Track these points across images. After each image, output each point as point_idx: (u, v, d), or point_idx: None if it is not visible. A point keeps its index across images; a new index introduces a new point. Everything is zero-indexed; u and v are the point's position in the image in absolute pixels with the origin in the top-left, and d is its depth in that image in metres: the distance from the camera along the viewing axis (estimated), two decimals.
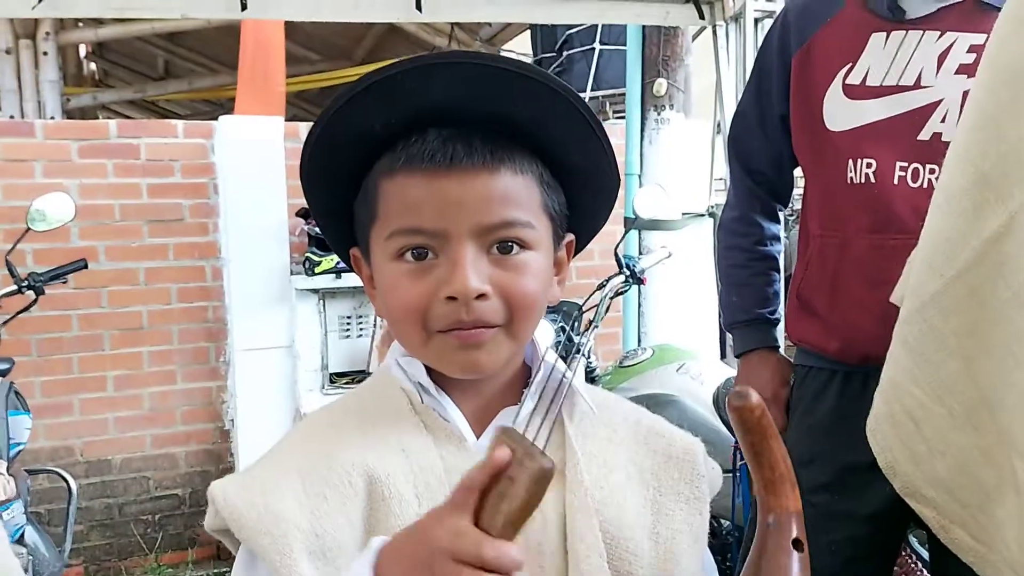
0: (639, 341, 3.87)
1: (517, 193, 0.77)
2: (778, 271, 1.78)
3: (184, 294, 3.70)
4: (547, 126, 0.79)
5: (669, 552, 0.81)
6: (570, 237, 0.87)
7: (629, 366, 2.69)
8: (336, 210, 0.84)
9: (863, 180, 1.50)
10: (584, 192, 0.85)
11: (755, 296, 1.74)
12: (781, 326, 1.76)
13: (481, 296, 0.74)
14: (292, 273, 3.63)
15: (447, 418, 0.80)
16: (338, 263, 3.64)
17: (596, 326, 2.54)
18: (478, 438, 0.80)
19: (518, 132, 0.78)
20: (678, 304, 3.96)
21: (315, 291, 3.63)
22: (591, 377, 2.85)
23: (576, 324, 2.88)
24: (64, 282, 2.73)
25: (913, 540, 2.27)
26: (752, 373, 1.70)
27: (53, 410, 3.50)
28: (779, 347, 1.75)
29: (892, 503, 1.48)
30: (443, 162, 0.75)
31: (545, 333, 2.80)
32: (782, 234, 1.81)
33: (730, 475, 2.13)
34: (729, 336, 1.91)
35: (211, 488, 0.77)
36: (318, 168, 0.82)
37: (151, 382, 3.66)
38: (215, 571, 3.60)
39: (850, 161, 1.51)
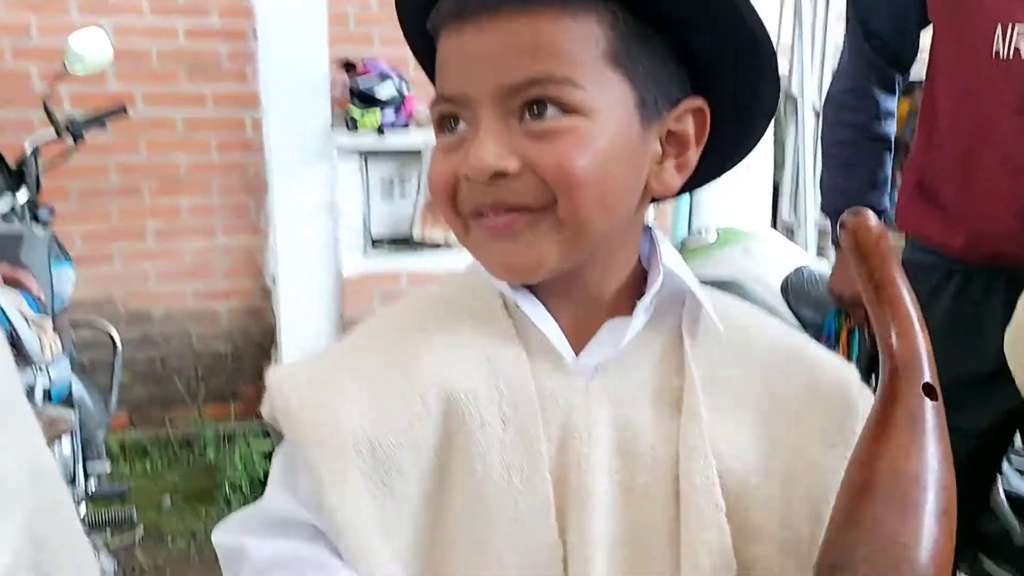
0: (689, 225, 3.71)
1: (556, 40, 0.59)
2: (891, 151, 1.61)
3: (224, 146, 3.56)
4: None
5: (807, 506, 0.66)
6: (692, 103, 0.66)
7: (693, 249, 2.54)
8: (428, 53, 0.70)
9: (1011, 54, 1.31)
10: (703, 41, 0.64)
11: (863, 180, 1.58)
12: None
13: (501, 174, 0.60)
14: (333, 128, 3.47)
15: (540, 328, 0.66)
16: (382, 120, 3.47)
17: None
18: (578, 355, 0.67)
19: None
20: (729, 184, 3.77)
21: (357, 152, 3.47)
22: None
23: None
24: (104, 127, 2.59)
25: None
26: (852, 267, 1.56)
27: (93, 260, 3.44)
28: None
29: (1007, 418, 1.37)
30: (460, 11, 0.61)
31: None
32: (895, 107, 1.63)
33: None
34: (822, 222, 1.76)
35: (269, 376, 0.67)
36: (408, 27, 0.70)
37: (191, 235, 3.57)
38: (256, 426, 3.62)
39: (999, 27, 1.31)
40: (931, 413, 0.58)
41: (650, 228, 0.72)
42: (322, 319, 3.63)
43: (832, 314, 1.85)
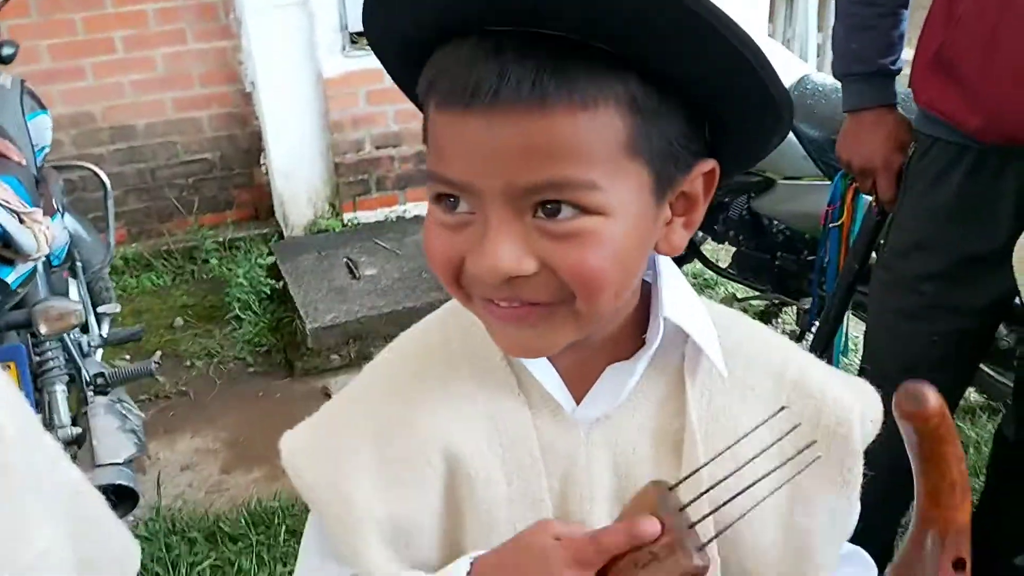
0: None
1: (573, 140, 0.53)
2: (906, 7, 1.49)
3: None
4: (640, 24, 0.52)
5: (804, 546, 0.68)
6: (706, 166, 0.61)
7: None
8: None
9: None
10: (722, 106, 0.59)
11: (878, 42, 1.48)
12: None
13: (518, 276, 0.56)
14: None
15: (538, 377, 0.66)
16: None
17: None
18: (578, 400, 0.67)
19: (597, 35, 0.53)
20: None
21: None
22: None
23: None
24: None
25: None
26: (863, 133, 1.51)
27: (66, 75, 3.28)
28: (897, 104, 1.52)
29: (1003, 298, 1.39)
30: (463, 96, 0.53)
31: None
32: None
33: None
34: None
35: (282, 450, 0.70)
36: (380, 50, 0.64)
37: (161, 42, 3.37)
38: (255, 231, 3.64)
39: None
40: None
41: (654, 260, 0.69)
42: (306, 121, 3.52)
43: (839, 176, 1.81)
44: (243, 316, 3.09)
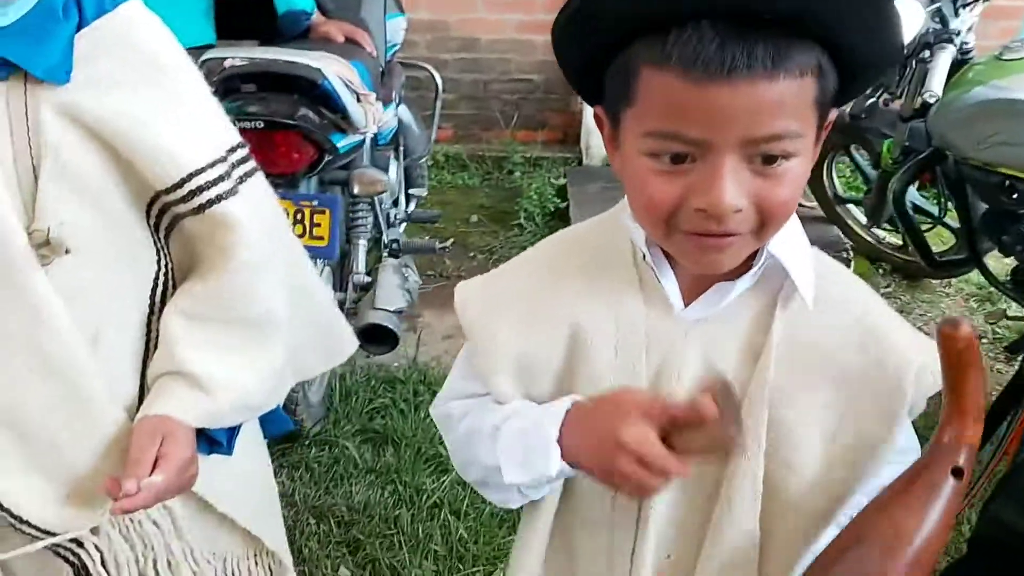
0: None
1: (792, 99, 0.69)
2: None
3: None
4: (834, 13, 0.68)
5: (841, 459, 0.80)
6: (834, 114, 0.76)
7: (1008, 60, 2.24)
8: (585, 68, 0.79)
9: None
10: (859, 64, 0.73)
11: None
12: None
13: (733, 211, 0.71)
14: None
15: (661, 281, 0.82)
16: None
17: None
18: (686, 306, 0.82)
19: (799, 20, 0.67)
20: None
21: None
22: (964, 59, 2.44)
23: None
24: None
25: None
26: None
27: None
28: None
29: None
30: (719, 71, 0.66)
31: (913, 12, 2.39)
32: None
33: None
34: None
35: (456, 293, 0.90)
36: (575, 32, 0.76)
37: None
38: (558, 154, 3.96)
39: None
40: (950, 490, 0.69)
41: None
42: None
43: None
44: (526, 225, 3.42)
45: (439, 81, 2.94)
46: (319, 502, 2.02)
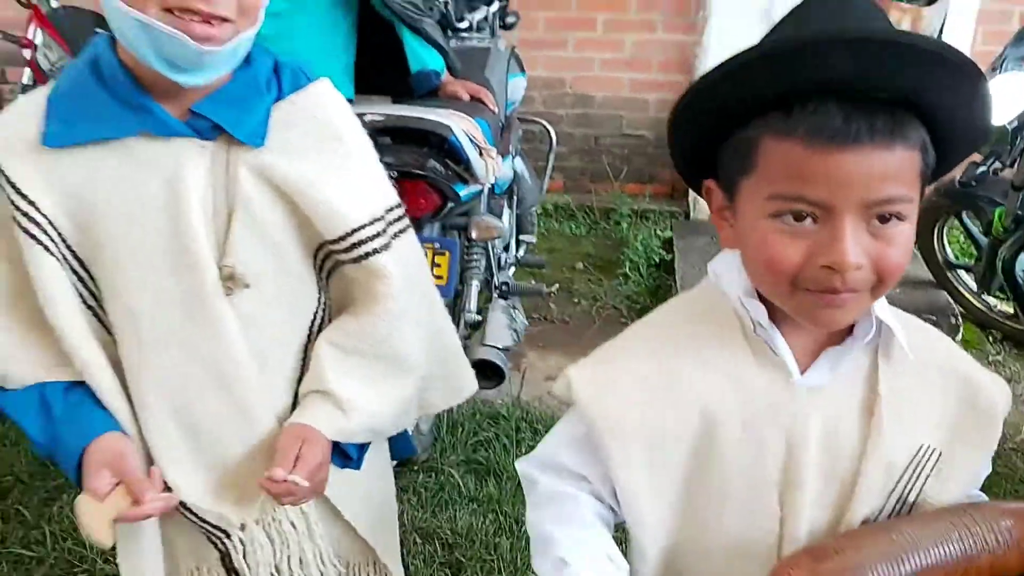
0: None
1: (904, 168, 0.78)
2: None
3: None
4: (939, 95, 0.77)
5: (944, 485, 0.91)
6: (928, 190, 0.85)
7: None
8: (697, 146, 0.88)
9: None
10: (954, 140, 0.83)
11: None
12: None
13: (856, 268, 0.80)
14: None
15: (776, 351, 0.87)
16: None
17: None
18: (802, 374, 0.88)
19: (907, 100, 0.77)
20: None
21: None
22: None
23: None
24: None
25: None
26: None
27: (550, 45, 3.95)
28: None
29: None
30: (844, 140, 0.75)
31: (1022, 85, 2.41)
32: None
33: None
34: None
35: (569, 374, 0.92)
36: (692, 113, 0.84)
37: (634, 28, 3.89)
38: (665, 208, 4.06)
39: None
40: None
41: None
42: None
43: None
44: (630, 275, 3.52)
45: (553, 135, 3.10)
46: (425, 524, 2.16)
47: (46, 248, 1.00)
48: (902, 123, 0.77)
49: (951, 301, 3.10)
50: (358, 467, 1.18)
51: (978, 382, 0.92)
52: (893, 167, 0.77)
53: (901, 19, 3.51)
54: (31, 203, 0.99)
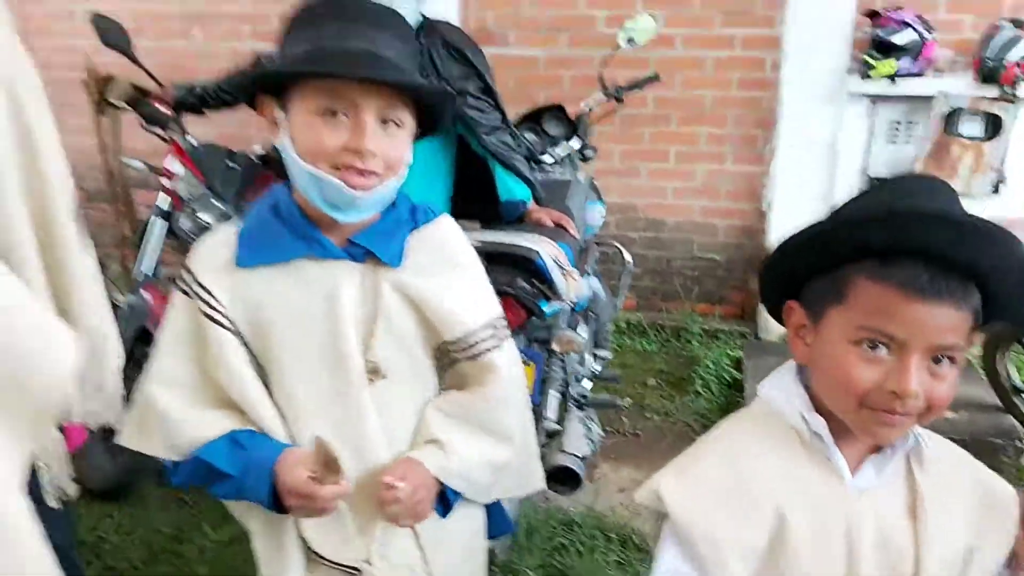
0: None
1: (964, 323, 0.96)
2: None
3: (744, 83, 4.00)
4: (994, 270, 0.96)
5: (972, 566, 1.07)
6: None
7: None
8: (792, 272, 1.06)
9: None
10: (1007, 297, 0.99)
11: None
12: None
13: (915, 396, 0.96)
14: (848, 72, 3.67)
15: (830, 457, 1.04)
16: (897, 69, 3.57)
17: None
18: (852, 477, 1.05)
19: (975, 269, 0.95)
20: None
21: (866, 96, 3.63)
22: None
23: None
24: (641, 90, 3.21)
25: None
26: None
27: (626, 174, 4.22)
28: None
29: None
30: (930, 295, 0.94)
31: None
32: None
33: None
34: None
35: (659, 487, 1.06)
36: (801, 248, 1.03)
37: (705, 159, 4.15)
38: (735, 327, 4.20)
39: None
40: None
41: None
42: None
43: None
44: (702, 392, 3.65)
45: (628, 258, 3.32)
46: None
47: (228, 329, 1.23)
48: (967, 289, 0.96)
49: (1017, 425, 3.14)
50: (443, 515, 1.33)
51: (992, 485, 1.10)
52: (957, 321, 0.95)
53: (963, 154, 3.68)
54: (219, 302, 1.24)
